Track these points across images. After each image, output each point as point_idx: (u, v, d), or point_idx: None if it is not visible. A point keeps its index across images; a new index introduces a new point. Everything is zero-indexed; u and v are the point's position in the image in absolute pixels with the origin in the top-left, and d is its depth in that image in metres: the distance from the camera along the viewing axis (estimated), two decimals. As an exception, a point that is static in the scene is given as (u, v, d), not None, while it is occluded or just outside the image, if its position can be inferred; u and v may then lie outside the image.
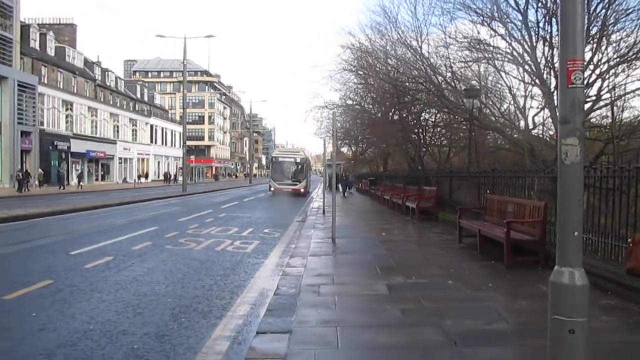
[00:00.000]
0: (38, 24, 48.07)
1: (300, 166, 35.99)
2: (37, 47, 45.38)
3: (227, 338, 4.93)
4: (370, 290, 6.68)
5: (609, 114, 13.60)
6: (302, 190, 35.00)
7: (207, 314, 5.77)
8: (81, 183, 43.43)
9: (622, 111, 13.30)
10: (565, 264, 2.62)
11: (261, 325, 5.04)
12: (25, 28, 43.10)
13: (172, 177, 67.16)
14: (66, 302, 6.19)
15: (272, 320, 5.18)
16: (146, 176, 66.08)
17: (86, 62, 55.54)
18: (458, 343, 4.49)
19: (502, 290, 6.62)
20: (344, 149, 52.18)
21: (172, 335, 4.98)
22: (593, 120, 14.25)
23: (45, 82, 44.45)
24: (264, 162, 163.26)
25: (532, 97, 16.18)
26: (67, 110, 47.88)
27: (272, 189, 35.14)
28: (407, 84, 20.54)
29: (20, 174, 34.36)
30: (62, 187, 36.22)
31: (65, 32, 53.89)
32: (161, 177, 68.69)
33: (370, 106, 30.19)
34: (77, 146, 48.11)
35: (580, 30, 2.72)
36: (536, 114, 15.88)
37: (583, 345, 2.55)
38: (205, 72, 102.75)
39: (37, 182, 38.33)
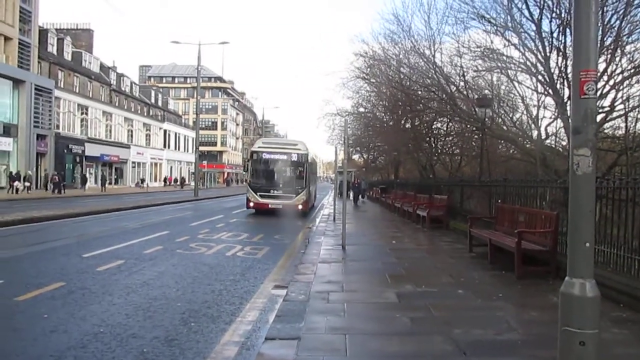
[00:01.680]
0: (56, 29, 48.72)
1: (298, 167, 22.48)
2: (55, 52, 46.00)
3: (235, 343, 4.95)
4: (379, 298, 6.67)
5: (623, 125, 13.48)
6: (300, 206, 21.80)
7: (216, 319, 5.79)
8: (105, 186, 44.97)
9: (636, 122, 13.15)
10: (576, 275, 2.61)
11: (270, 331, 5.05)
12: (43, 33, 43.71)
13: (178, 181, 67.29)
14: (77, 304, 6.25)
15: (281, 326, 5.19)
16: (165, 180, 66.85)
17: (102, 67, 56.16)
18: (467, 353, 4.46)
19: (512, 301, 6.57)
20: (356, 157, 52.13)
21: (182, 340, 5.00)
22: (607, 131, 14.11)
23: (62, 86, 45.00)
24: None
25: (544, 107, 16.08)
26: (82, 114, 48.43)
27: (251, 203, 21.97)
28: (420, 92, 20.53)
29: (57, 177, 36.99)
30: (60, 192, 36.65)
31: (82, 37, 54.56)
32: (173, 182, 69.22)
33: (382, 114, 30.17)
34: (91, 150, 48.59)
35: (593, 41, 2.72)
36: (549, 124, 15.77)
37: (593, 358, 2.53)
38: (219, 78, 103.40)
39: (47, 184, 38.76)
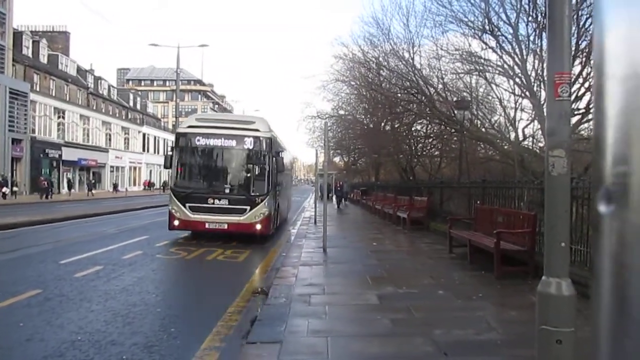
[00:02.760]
0: (31, 31, 47.93)
1: (255, 159, 14.12)
2: (30, 55, 45.21)
3: (217, 348, 4.91)
4: (360, 300, 6.69)
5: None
6: (257, 226, 13.37)
7: (197, 324, 5.74)
8: (92, 191, 45.36)
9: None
10: (553, 274, 2.65)
11: (251, 336, 5.03)
12: (18, 35, 42.95)
13: (156, 185, 66.46)
14: (54, 312, 6.14)
15: (263, 330, 5.17)
16: (145, 184, 65.99)
17: (79, 70, 55.39)
18: (448, 353, 4.49)
19: (492, 300, 6.64)
20: (336, 159, 52.21)
21: (162, 346, 4.95)
22: (583, 132, 14.36)
23: (37, 89, 44.25)
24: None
25: (522, 110, 16.31)
26: (59, 118, 47.65)
27: (175, 221, 13.56)
28: (399, 94, 20.67)
29: (45, 182, 37.62)
30: (48, 197, 36.68)
31: (59, 39, 53.76)
32: (156, 186, 68.49)
33: (362, 116, 30.32)
34: (68, 154, 47.82)
35: (567, 44, 2.77)
36: (526, 126, 16.04)
37: (569, 355, 2.57)
38: (199, 81, 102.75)
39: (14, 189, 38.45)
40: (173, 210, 13.39)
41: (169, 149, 15.83)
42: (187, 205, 13.18)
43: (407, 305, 6.23)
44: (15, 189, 35.69)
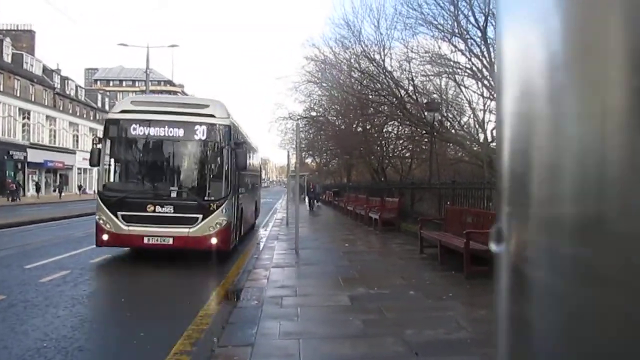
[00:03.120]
0: (-6, 30, 46.74)
1: (209, 153, 10.95)
2: (-7, 54, 44.08)
3: (187, 353, 4.85)
4: (332, 301, 6.70)
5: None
6: (212, 239, 10.20)
7: (167, 328, 5.67)
8: (62, 193, 45.33)
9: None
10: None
11: (223, 339, 4.99)
12: (-20, 34, 41.82)
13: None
14: (19, 318, 5.98)
15: (234, 333, 5.14)
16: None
17: (45, 69, 54.11)
18: (419, 353, 4.54)
19: (461, 300, 6.73)
20: (308, 160, 52.27)
21: (131, 351, 4.87)
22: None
23: (1, 89, 43.07)
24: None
25: (491, 112, 16.64)
26: (24, 119, 46.44)
27: (104, 235, 10.08)
28: (371, 96, 20.85)
29: (14, 185, 37.84)
30: (15, 199, 36.17)
31: (23, 38, 52.42)
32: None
33: (334, 118, 30.42)
34: (34, 156, 46.64)
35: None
36: (494, 128, 16.31)
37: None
38: (169, 82, 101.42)
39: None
40: (101, 222, 10.05)
41: (97, 140, 11.45)
42: (119, 214, 9.96)
43: (378, 306, 6.26)
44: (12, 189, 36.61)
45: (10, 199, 35.72)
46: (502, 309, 0.62)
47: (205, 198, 10.35)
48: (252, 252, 12.05)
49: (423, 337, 5.04)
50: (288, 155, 19.43)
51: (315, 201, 32.86)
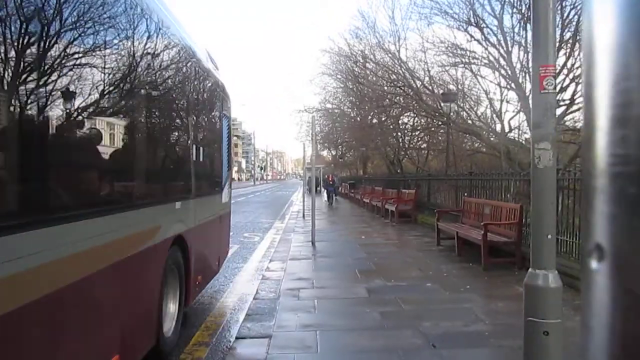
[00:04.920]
0: None
1: None
2: None
3: (206, 344, 4.89)
4: (349, 293, 6.71)
5: (583, 117, 13.87)
6: None
7: (185, 320, 5.72)
8: None
9: (596, 114, 13.54)
10: (539, 266, 2.67)
11: (240, 330, 5.03)
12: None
13: None
14: None
15: (252, 325, 5.17)
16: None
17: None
18: (436, 345, 4.53)
19: (479, 292, 6.69)
20: (324, 153, 52.28)
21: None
22: (567, 123, 14.51)
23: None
24: (244, 165, 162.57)
25: (507, 101, 16.46)
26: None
27: None
28: (386, 87, 20.74)
29: None
30: None
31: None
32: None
33: (350, 110, 30.36)
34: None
35: (551, 36, 2.78)
36: (512, 118, 16.19)
37: (556, 346, 2.60)
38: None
39: None
40: None
41: None
42: None
43: (395, 298, 6.26)
44: None
45: None
46: (602, 325, 0.57)
47: None
48: (269, 244, 12.09)
49: (440, 329, 5.03)
50: (304, 148, 19.44)
51: (334, 195, 30.26)
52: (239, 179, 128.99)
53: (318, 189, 30.41)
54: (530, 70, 12.24)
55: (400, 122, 25.12)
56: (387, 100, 21.79)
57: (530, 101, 12.61)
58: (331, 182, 29.47)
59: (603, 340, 0.56)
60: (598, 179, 0.57)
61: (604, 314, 0.55)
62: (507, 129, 16.20)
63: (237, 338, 4.81)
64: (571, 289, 6.19)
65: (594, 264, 0.57)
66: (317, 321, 5.39)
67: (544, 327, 2.58)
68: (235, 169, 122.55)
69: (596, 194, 0.56)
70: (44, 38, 2.41)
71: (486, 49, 14.65)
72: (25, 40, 2.27)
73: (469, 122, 18.25)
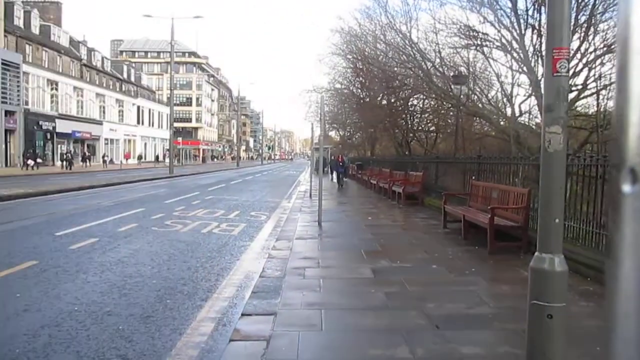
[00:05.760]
0: (22, 1, 47.07)
1: None
2: (22, 25, 44.51)
3: (212, 320, 4.96)
4: (355, 273, 6.74)
5: (595, 103, 13.72)
6: None
7: (192, 296, 5.79)
8: (106, 162, 49.73)
9: (607, 100, 13.39)
10: (546, 250, 2.67)
11: (246, 307, 5.08)
12: (9, 5, 42.21)
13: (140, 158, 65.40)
14: (51, 283, 6.18)
15: (257, 302, 5.22)
16: (139, 158, 64.73)
17: (72, 41, 54.62)
18: (440, 326, 4.56)
19: (484, 275, 6.71)
20: (332, 133, 52.09)
21: (158, 317, 5.00)
22: (579, 108, 14.36)
23: (30, 60, 43.70)
24: (251, 144, 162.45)
25: (519, 85, 16.25)
26: (52, 89, 47.19)
27: None
28: (396, 68, 20.55)
29: (70, 154, 42.65)
30: (71, 167, 40.94)
31: (50, 10, 52.93)
32: (150, 159, 68.19)
33: (359, 90, 30.14)
34: (62, 126, 47.52)
35: (566, 18, 2.74)
36: (523, 102, 15.98)
37: (560, 330, 2.61)
38: (193, 54, 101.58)
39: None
40: None
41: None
42: None
43: (401, 279, 6.29)
44: (39, 160, 39.18)
45: (68, 167, 40.61)
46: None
47: None
48: (275, 224, 12.15)
49: (444, 310, 5.06)
50: (312, 128, 19.38)
51: (343, 176, 28.04)
52: (249, 158, 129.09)
53: (325, 169, 30.02)
54: (543, 54, 12.08)
55: (409, 103, 24.94)
56: (397, 81, 21.61)
57: (541, 85, 12.49)
58: (341, 163, 27.84)
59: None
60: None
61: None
62: (517, 113, 16.03)
63: (242, 315, 4.87)
64: (576, 274, 6.21)
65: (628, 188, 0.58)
66: (323, 300, 5.43)
67: (549, 310, 2.59)
68: (243, 147, 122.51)
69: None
70: None
71: (499, 31, 14.44)
72: None
73: (479, 105, 18.08)
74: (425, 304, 5.20)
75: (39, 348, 4.16)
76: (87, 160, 46.85)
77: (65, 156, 42.55)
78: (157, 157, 66.94)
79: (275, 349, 4.00)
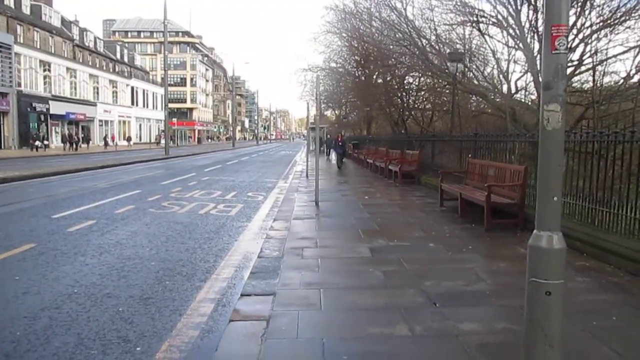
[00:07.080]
0: (11, -19, 46.28)
1: None
2: (12, 5, 43.83)
3: (211, 300, 4.99)
4: (353, 252, 6.78)
5: (590, 78, 13.66)
6: None
7: (191, 277, 5.82)
8: (108, 144, 50.89)
9: (603, 76, 13.32)
10: (544, 228, 2.68)
11: (245, 288, 5.11)
12: (-3, -16, 41.52)
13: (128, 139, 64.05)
14: (49, 265, 6.19)
15: (256, 282, 5.25)
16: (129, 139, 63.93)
17: (63, 21, 53.91)
18: (438, 304, 4.60)
19: (481, 253, 6.76)
20: (328, 112, 51.93)
21: (157, 298, 5.02)
22: (574, 84, 14.30)
23: (21, 41, 43.16)
24: (247, 124, 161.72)
25: (515, 62, 16.19)
26: (44, 71, 46.70)
27: None
28: (391, 46, 20.36)
29: (76, 136, 44.22)
30: (76, 148, 42.67)
31: (40, -11, 52.07)
32: (145, 140, 67.74)
33: (354, 69, 29.95)
34: (56, 108, 47.16)
35: (565, -5, 2.71)
36: (519, 79, 15.96)
37: (558, 306, 2.64)
38: (187, 33, 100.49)
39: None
40: None
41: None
42: None
43: (398, 257, 6.33)
44: (45, 142, 40.55)
45: (71, 148, 42.14)
46: None
47: None
48: (272, 204, 12.16)
49: (442, 288, 5.11)
50: (307, 107, 19.26)
51: (342, 157, 26.70)
52: (243, 138, 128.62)
53: (322, 148, 29.88)
54: (539, 30, 11.96)
55: (405, 82, 24.78)
56: (393, 59, 21.45)
57: (537, 62, 12.45)
58: (340, 143, 26.59)
59: None
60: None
61: None
62: (513, 90, 15.97)
63: (242, 295, 4.90)
64: (573, 250, 6.26)
65: None
66: (321, 280, 5.47)
67: (547, 287, 2.61)
68: (238, 128, 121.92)
69: None
70: None
71: (495, 7, 14.30)
72: None
73: (475, 82, 17.99)
74: (423, 282, 5.24)
75: (40, 330, 4.18)
76: (79, 143, 46.38)
77: (71, 138, 43.71)
78: (157, 140, 65.96)
79: (275, 329, 4.04)
